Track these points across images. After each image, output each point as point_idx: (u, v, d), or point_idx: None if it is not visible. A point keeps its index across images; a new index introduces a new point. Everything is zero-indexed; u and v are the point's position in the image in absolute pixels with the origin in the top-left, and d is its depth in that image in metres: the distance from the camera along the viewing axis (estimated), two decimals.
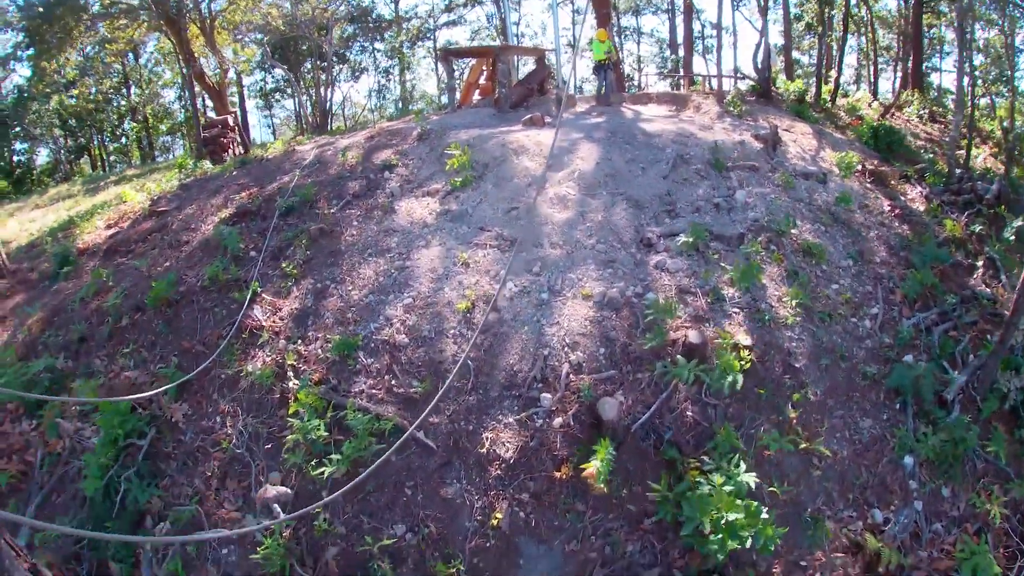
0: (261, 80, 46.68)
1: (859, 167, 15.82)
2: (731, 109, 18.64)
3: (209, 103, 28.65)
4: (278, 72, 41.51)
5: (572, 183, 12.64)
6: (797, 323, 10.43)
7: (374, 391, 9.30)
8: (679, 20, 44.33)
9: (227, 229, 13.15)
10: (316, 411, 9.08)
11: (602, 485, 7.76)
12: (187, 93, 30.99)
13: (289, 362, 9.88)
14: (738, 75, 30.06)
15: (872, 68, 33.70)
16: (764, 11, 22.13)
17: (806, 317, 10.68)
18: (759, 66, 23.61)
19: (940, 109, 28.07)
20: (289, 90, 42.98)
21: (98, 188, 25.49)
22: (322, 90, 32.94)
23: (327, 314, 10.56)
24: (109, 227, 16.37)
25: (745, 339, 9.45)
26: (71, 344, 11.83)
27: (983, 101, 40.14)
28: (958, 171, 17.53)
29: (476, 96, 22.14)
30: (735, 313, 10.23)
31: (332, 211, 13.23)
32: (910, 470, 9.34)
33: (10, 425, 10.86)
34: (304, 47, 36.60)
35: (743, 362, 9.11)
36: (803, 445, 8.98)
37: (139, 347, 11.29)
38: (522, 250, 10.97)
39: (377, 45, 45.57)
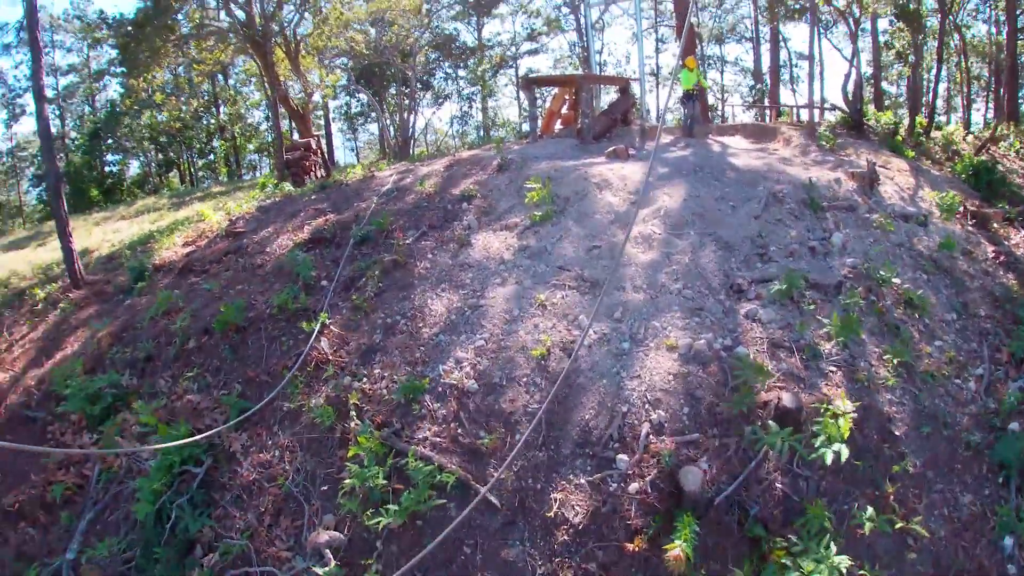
0: (346, 104, 47.17)
1: (960, 208, 14.58)
2: (823, 143, 17.57)
3: (293, 125, 28.88)
4: (362, 96, 41.88)
5: (658, 221, 11.87)
6: (898, 385, 9.45)
7: (438, 439, 8.68)
8: (764, 48, 43.16)
9: (301, 255, 12.82)
10: (376, 456, 8.51)
11: (688, 571, 6.94)
12: (272, 115, 31.21)
13: (352, 401, 9.36)
14: (827, 106, 28.87)
15: (964, 99, 31.85)
16: (854, 37, 20.96)
17: (907, 378, 9.68)
18: (849, 96, 22.43)
19: None
20: (373, 114, 43.24)
21: (183, 203, 25.79)
22: (404, 115, 32.85)
23: (395, 351, 10.03)
24: (187, 244, 16.29)
25: (845, 405, 8.50)
26: (137, 362, 11.63)
27: None
28: None
29: (558, 126, 21.55)
30: (831, 372, 9.31)
31: (407, 242, 12.78)
32: (1009, 552, 8.31)
33: (71, 437, 10.69)
34: (388, 72, 36.72)
35: (842, 431, 8.18)
36: (899, 524, 7.99)
37: (204, 371, 11.00)
38: (602, 293, 10.27)
39: (460, 72, 45.58)
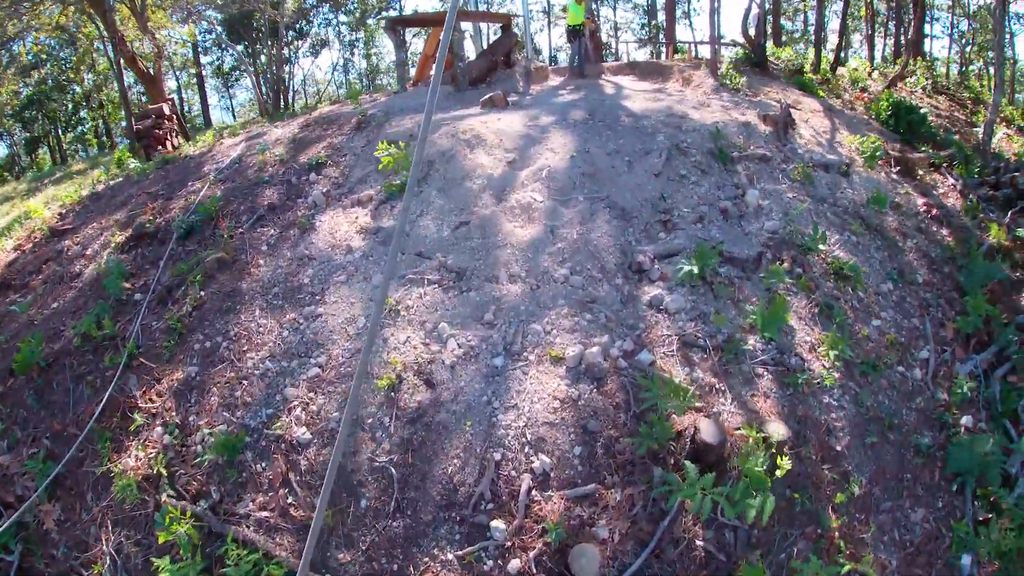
0: (218, 59, 42.41)
1: (884, 155, 12.74)
2: (726, 83, 15.43)
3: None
4: (237, 49, 37.42)
5: (540, 185, 9.45)
6: (836, 384, 7.56)
7: (265, 513, 6.24)
8: None
9: (114, 261, 9.96)
10: (191, 542, 6.06)
11: None
12: (117, 80, 26.88)
13: (157, 469, 6.78)
14: (727, 42, 26.98)
15: (867, 35, 30.44)
16: None
17: (846, 371, 7.83)
18: (750, 32, 20.41)
19: (944, 81, 25.00)
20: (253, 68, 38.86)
21: (39, 188, 21.65)
22: (274, 68, 29.16)
23: (213, 389, 7.46)
24: (17, 249, 12.85)
25: (779, 430, 6.44)
26: None
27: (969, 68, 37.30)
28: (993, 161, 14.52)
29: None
30: (758, 377, 7.26)
31: (240, 230, 10.09)
32: (967, 572, 6.81)
33: None
34: (259, 22, 32.58)
35: (777, 468, 6.13)
36: (846, 567, 6.11)
37: (11, 424, 8.28)
38: (471, 286, 7.87)
39: (341, 17, 41.43)
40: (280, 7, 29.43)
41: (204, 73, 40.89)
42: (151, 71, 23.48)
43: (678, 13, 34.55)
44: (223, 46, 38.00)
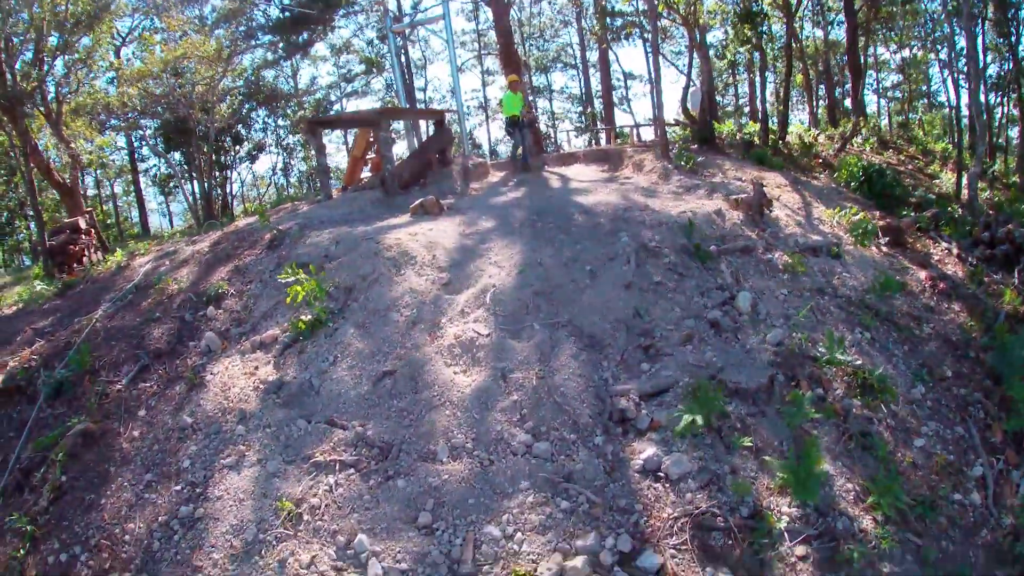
0: (155, 167, 40.17)
1: (875, 230, 11.05)
2: (681, 163, 13.78)
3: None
4: (175, 156, 35.21)
5: (484, 312, 7.37)
6: (895, 543, 5.46)
7: None
8: (592, 72, 40.20)
9: None
10: None
11: None
12: (29, 193, 24.45)
13: None
14: (670, 122, 25.98)
15: (809, 100, 29.69)
16: (699, 46, 17.53)
17: (902, 521, 5.79)
18: (689, 108, 19.14)
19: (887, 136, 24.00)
20: (190, 175, 36.52)
21: None
22: (203, 175, 27.14)
23: None
24: None
25: None
26: None
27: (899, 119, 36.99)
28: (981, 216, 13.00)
29: (366, 173, 16.76)
30: (803, 560, 5.12)
31: (117, 387, 7.80)
32: None
33: None
34: (197, 128, 30.66)
35: None
36: None
37: None
38: (399, 469, 5.66)
39: (280, 121, 39.73)
40: (211, 113, 27.70)
41: (142, 181, 38.61)
42: (67, 182, 21.15)
43: (613, 98, 33.74)
44: (158, 154, 35.89)
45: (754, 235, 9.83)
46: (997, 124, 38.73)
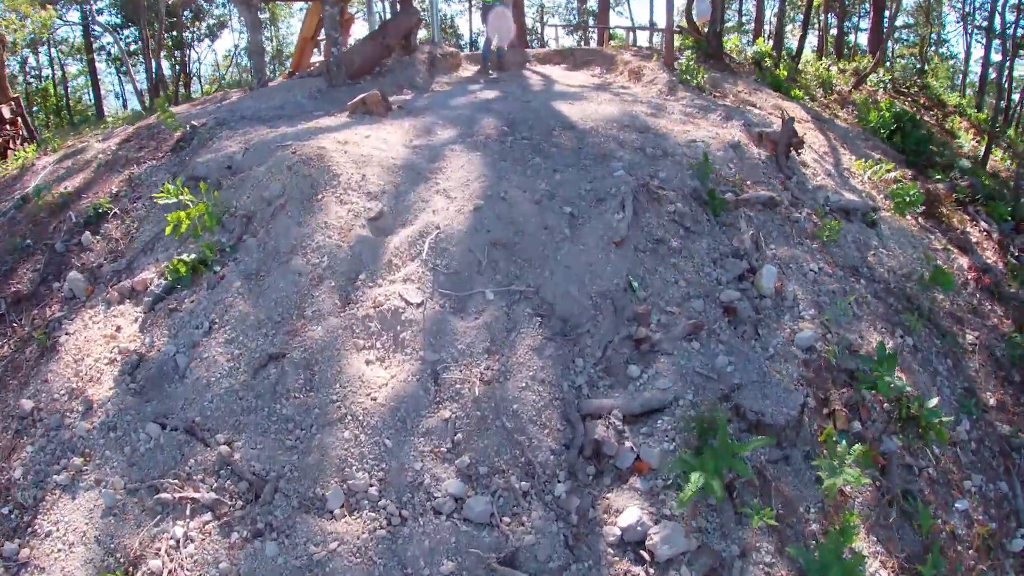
0: (110, 43, 35.77)
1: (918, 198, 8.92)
2: (688, 78, 11.37)
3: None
4: (128, 33, 31.03)
5: (419, 268, 5.14)
6: None
7: None
8: None
9: None
10: None
11: None
12: None
13: None
14: (674, 28, 23.18)
15: (822, 24, 26.91)
16: None
17: None
18: (694, 16, 16.46)
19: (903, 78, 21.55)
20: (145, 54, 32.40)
21: None
22: (150, 54, 23.74)
23: None
24: None
25: None
26: None
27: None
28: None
29: (318, 58, 13.94)
30: None
31: None
32: None
33: None
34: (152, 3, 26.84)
35: None
36: None
37: None
38: (274, 522, 3.66)
39: None
40: None
41: (98, 60, 34.56)
42: None
43: None
44: (114, 30, 31.86)
45: (779, 183, 7.66)
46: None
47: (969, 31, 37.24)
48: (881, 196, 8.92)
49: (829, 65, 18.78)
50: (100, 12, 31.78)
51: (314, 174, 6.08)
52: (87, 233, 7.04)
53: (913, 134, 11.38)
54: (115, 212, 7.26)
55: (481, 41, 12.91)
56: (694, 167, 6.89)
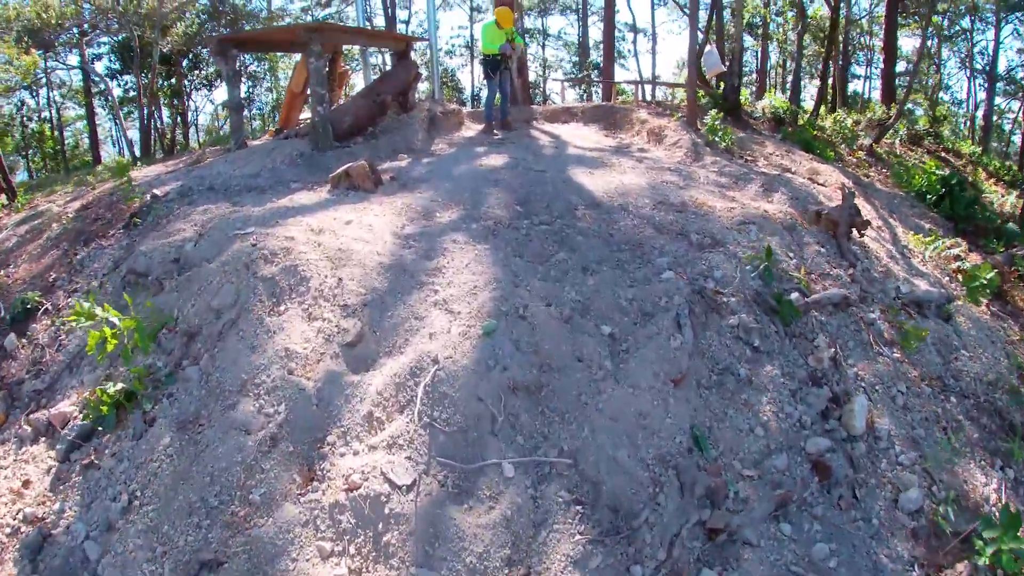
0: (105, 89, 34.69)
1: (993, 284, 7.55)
2: (714, 138, 10.08)
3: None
4: (127, 79, 29.96)
5: (408, 425, 3.66)
6: None
7: None
8: (593, 21, 35.55)
9: None
10: None
11: None
12: None
13: None
14: (677, 83, 22.12)
15: (819, 72, 25.85)
16: None
17: None
18: (704, 71, 15.31)
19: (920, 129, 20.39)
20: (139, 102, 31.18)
21: None
22: (143, 103, 22.68)
23: None
24: None
25: None
26: None
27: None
28: None
29: (307, 114, 12.62)
30: None
31: None
32: None
33: None
34: (149, 50, 25.85)
35: None
36: None
37: None
38: None
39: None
40: (164, 32, 23.07)
41: (97, 105, 33.44)
42: None
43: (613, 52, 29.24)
44: (111, 76, 30.81)
45: (845, 274, 6.28)
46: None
47: (969, 75, 36.51)
48: (946, 278, 7.56)
49: (844, 118, 17.60)
50: (99, 57, 30.88)
51: (277, 276, 4.67)
52: (12, 335, 5.66)
53: (961, 199, 10.08)
54: (46, 308, 5.88)
55: (483, 96, 11.61)
56: (753, 261, 5.50)
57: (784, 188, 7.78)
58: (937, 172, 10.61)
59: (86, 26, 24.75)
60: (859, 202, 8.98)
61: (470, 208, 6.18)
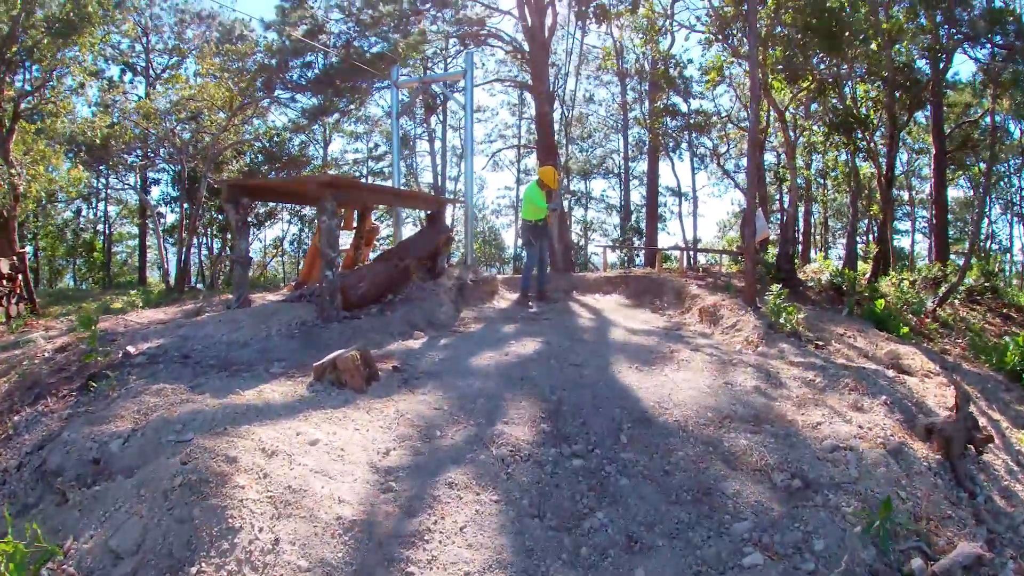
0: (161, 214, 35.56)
1: None
2: (780, 321, 8.65)
3: None
4: (186, 207, 30.56)
5: None
6: None
7: None
8: (634, 185, 35.45)
9: None
10: None
11: None
12: None
13: None
14: (727, 250, 21.10)
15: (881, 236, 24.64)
16: (792, 151, 12.64)
17: None
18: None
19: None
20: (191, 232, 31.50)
21: None
22: (184, 237, 22.61)
23: None
24: None
25: None
26: None
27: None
28: None
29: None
30: None
31: None
32: None
33: None
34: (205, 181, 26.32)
35: None
36: None
37: None
38: None
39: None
40: (219, 167, 23.29)
41: (155, 230, 34.05)
42: (3, 212, 16.29)
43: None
44: (166, 202, 31.48)
45: (968, 514, 4.61)
46: None
47: (1011, 220, 34.90)
48: None
49: (901, 281, 16.08)
50: (156, 183, 31.53)
51: (198, 520, 3.26)
52: None
53: None
54: None
55: (524, 260, 10.55)
56: (861, 519, 3.92)
57: (879, 391, 6.23)
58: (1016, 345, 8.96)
59: (149, 152, 25.30)
60: (949, 390, 7.37)
61: (483, 423, 4.77)
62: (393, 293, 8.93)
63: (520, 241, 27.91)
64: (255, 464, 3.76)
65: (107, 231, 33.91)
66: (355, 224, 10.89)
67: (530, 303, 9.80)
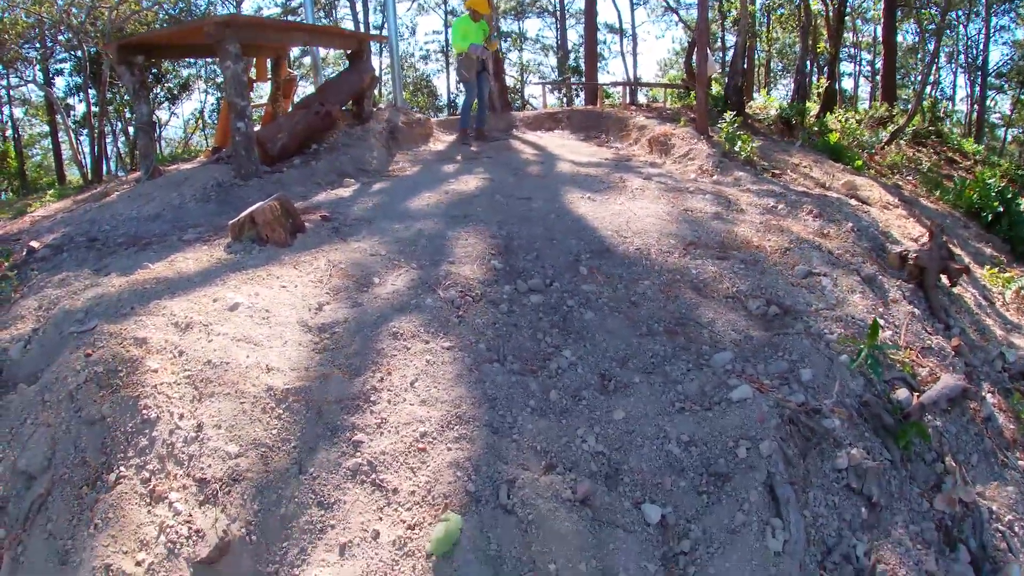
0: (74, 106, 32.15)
1: None
2: (735, 150, 8.16)
3: None
4: (92, 94, 27.44)
5: None
6: None
7: None
8: (571, 24, 33.45)
9: None
10: None
11: None
12: None
13: None
14: (675, 83, 20.34)
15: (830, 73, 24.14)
16: None
17: None
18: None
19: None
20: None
21: None
22: (92, 118, 20.46)
23: None
24: None
25: None
26: None
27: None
28: None
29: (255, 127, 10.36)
30: None
31: None
32: None
33: None
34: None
35: None
36: None
37: None
38: None
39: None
40: (103, 37, 20.85)
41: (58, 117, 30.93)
42: None
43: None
44: (73, 92, 28.33)
45: (948, 345, 4.38)
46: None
47: (955, 70, 35.00)
48: None
49: (848, 119, 15.74)
50: (60, 73, 28.64)
51: (110, 417, 2.70)
52: None
53: (1020, 217, 8.27)
54: None
55: (460, 102, 9.66)
56: (847, 347, 3.58)
57: (842, 216, 5.88)
58: (991, 188, 8.76)
59: (48, 42, 22.70)
60: (910, 222, 7.17)
61: (427, 265, 4.20)
62: (317, 142, 8.01)
63: (455, 80, 26.27)
64: (167, 342, 3.13)
65: (16, 135, 30.62)
66: (269, 76, 9.66)
67: (470, 142, 9.04)
